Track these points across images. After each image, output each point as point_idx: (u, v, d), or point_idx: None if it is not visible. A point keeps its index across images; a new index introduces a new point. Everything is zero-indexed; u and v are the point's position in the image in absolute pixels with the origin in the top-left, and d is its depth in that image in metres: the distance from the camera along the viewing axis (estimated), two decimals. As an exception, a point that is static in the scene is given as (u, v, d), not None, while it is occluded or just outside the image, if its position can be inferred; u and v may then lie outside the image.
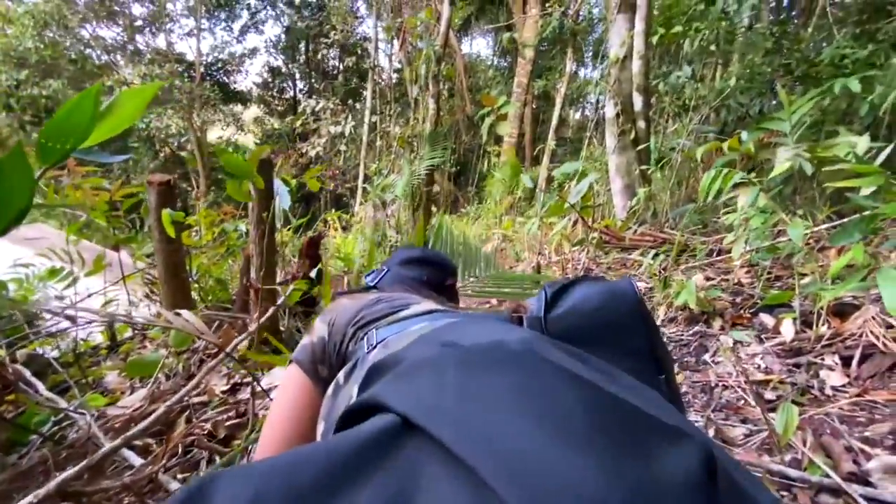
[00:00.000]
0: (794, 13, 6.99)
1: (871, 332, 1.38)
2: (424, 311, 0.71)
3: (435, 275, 0.96)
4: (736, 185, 2.16)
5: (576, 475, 0.24)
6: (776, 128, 2.28)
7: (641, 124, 3.74)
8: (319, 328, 0.76)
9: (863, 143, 1.92)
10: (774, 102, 4.17)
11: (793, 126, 2.20)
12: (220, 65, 13.09)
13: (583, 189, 2.78)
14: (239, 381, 1.71)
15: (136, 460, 1.22)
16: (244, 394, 1.64)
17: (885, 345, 1.34)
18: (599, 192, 4.11)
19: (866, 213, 1.53)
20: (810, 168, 2.23)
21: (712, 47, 3.76)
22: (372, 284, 0.96)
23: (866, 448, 1.07)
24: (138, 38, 10.80)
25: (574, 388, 0.31)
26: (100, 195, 2.18)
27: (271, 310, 1.73)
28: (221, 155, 1.34)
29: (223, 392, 1.64)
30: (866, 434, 1.12)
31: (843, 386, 1.32)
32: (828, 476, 0.99)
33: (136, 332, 2.24)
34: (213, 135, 13.87)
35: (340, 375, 0.66)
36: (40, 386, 1.59)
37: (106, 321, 1.88)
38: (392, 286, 0.93)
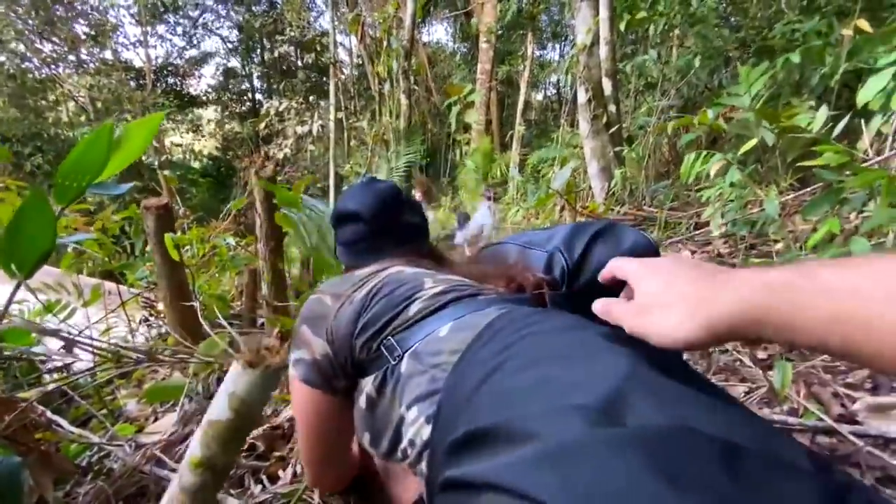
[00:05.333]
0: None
1: (843, 289, 1.55)
2: (436, 305, 0.66)
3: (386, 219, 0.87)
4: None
5: None
6: (735, 103, 2.42)
7: (612, 108, 3.88)
8: (317, 344, 0.70)
9: (821, 114, 2.08)
10: (730, 76, 4.39)
11: (752, 99, 2.36)
12: (171, 69, 12.56)
13: (566, 175, 2.90)
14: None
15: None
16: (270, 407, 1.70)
17: (856, 300, 1.51)
18: (577, 175, 4.26)
19: (830, 182, 1.69)
20: (772, 138, 2.41)
21: (676, 31, 3.92)
22: (347, 263, 0.91)
23: (850, 392, 1.23)
24: (82, 48, 10.23)
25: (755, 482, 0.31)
26: (94, 223, 2.14)
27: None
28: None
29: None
30: (848, 380, 1.28)
31: (824, 340, 1.48)
32: (821, 420, 1.14)
33: (139, 358, 2.23)
34: (172, 141, 13.35)
35: (369, 387, 0.65)
36: (62, 422, 1.59)
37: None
38: (365, 256, 0.87)
